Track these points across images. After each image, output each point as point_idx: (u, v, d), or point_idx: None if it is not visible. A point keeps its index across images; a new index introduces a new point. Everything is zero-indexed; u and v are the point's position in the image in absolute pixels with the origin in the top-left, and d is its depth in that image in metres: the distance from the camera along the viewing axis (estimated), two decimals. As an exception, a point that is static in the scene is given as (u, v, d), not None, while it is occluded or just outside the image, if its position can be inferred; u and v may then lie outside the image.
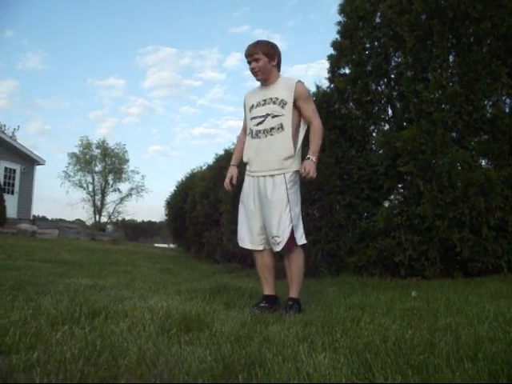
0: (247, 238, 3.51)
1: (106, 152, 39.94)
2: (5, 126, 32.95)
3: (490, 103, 5.58)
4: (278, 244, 3.30)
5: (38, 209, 59.31)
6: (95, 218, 40.15)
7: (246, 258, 8.24)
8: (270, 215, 3.30)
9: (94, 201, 40.15)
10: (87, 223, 39.87)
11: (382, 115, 6.59)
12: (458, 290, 4.01)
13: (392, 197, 6.28)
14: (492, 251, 5.00)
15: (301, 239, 3.38)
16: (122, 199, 41.18)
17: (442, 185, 5.17)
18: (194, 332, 2.36)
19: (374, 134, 6.65)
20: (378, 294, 3.94)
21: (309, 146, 3.34)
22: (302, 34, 67.11)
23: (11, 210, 19.09)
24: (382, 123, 6.64)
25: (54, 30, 59.78)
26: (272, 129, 3.32)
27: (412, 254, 5.35)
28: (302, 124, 3.46)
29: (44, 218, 32.45)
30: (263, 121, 3.37)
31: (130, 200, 42.46)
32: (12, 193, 20.76)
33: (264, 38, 57.59)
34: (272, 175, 3.33)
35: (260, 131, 3.38)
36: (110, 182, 40.77)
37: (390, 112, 6.63)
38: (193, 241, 12.40)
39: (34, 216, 24.13)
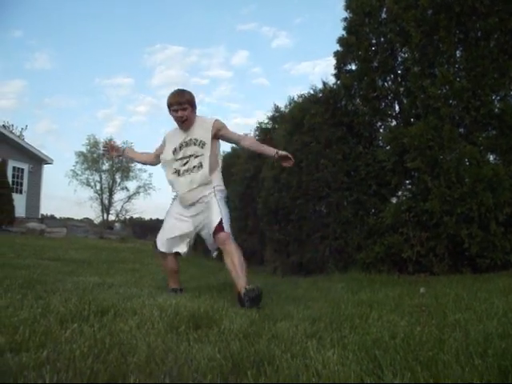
0: (168, 244, 3.99)
1: (113, 150, 39.94)
2: (12, 125, 33.13)
3: (498, 98, 5.55)
4: (212, 230, 3.74)
5: (46, 208, 59.32)
6: (103, 216, 40.19)
7: (254, 254, 8.27)
8: (208, 215, 3.79)
9: (101, 199, 40.16)
10: (95, 222, 39.95)
11: (388, 111, 6.57)
12: (467, 286, 4.00)
13: (400, 193, 6.26)
14: (500, 247, 4.98)
15: (227, 228, 3.75)
16: (129, 197, 41.14)
17: (449, 181, 5.15)
18: (203, 329, 2.36)
19: (381, 130, 6.64)
20: (386, 291, 3.93)
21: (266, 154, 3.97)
22: (309, 31, 66.42)
23: (20, 209, 19.16)
24: (389, 119, 6.63)
25: (61, 30, 59.56)
26: (194, 167, 3.84)
27: (420, 250, 5.34)
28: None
29: (52, 217, 32.56)
30: (188, 161, 3.88)
31: (138, 198, 42.44)
32: (20, 192, 20.85)
33: (270, 35, 57.12)
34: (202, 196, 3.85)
35: (185, 170, 3.88)
36: (118, 180, 40.77)
37: (396, 108, 6.61)
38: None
39: (42, 215, 24.20)
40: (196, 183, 3.82)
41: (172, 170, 3.96)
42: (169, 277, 4.14)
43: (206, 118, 3.98)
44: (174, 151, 3.93)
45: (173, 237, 3.94)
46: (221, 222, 3.71)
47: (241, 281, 3.41)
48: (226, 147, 24.97)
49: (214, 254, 4.03)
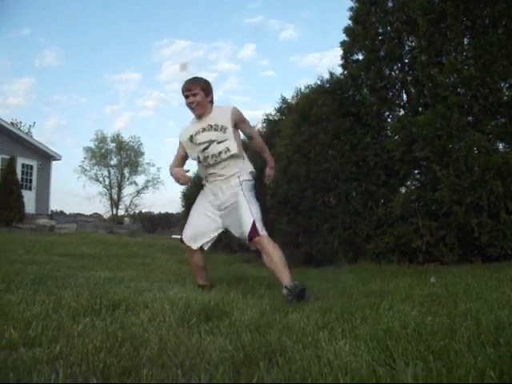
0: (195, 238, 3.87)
1: (121, 145, 40.13)
2: (20, 122, 33.30)
3: (507, 86, 5.49)
4: (246, 237, 3.61)
5: (55, 204, 59.50)
6: (112, 211, 40.48)
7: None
8: (238, 216, 3.64)
9: (110, 194, 40.44)
10: (104, 216, 40.18)
11: (396, 101, 6.53)
12: (477, 276, 3.97)
13: (408, 183, 6.24)
14: (510, 236, 4.94)
15: (261, 229, 3.60)
16: (138, 192, 41.45)
17: (458, 169, 5.11)
18: (214, 321, 2.37)
19: (389, 120, 6.60)
20: (396, 281, 3.92)
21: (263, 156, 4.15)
22: (316, 23, 65.83)
23: (29, 206, 19.30)
24: (397, 109, 6.60)
25: (69, 27, 59.92)
26: (220, 153, 3.66)
27: (430, 239, 5.32)
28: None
29: (62, 213, 32.72)
30: (208, 146, 3.68)
31: (147, 192, 42.81)
32: (29, 188, 20.96)
33: (278, 28, 56.64)
34: (228, 179, 3.72)
35: (208, 156, 3.71)
36: (126, 175, 41.03)
37: (404, 97, 6.57)
38: (209, 231, 12.42)
39: (51, 211, 24.34)
40: (228, 169, 3.70)
41: (196, 157, 3.82)
42: (195, 273, 4.03)
43: (221, 106, 3.82)
44: (192, 138, 3.76)
45: (200, 232, 3.83)
46: (254, 225, 3.55)
47: (285, 277, 3.38)
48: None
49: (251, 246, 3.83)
